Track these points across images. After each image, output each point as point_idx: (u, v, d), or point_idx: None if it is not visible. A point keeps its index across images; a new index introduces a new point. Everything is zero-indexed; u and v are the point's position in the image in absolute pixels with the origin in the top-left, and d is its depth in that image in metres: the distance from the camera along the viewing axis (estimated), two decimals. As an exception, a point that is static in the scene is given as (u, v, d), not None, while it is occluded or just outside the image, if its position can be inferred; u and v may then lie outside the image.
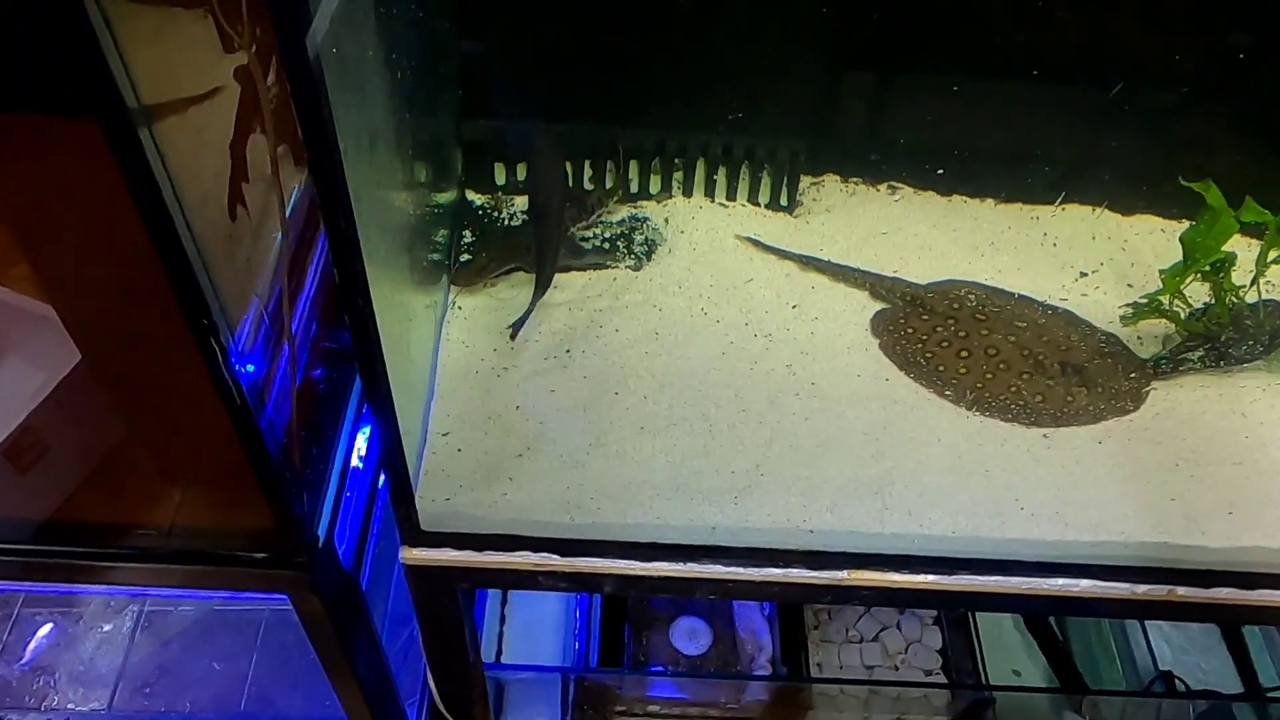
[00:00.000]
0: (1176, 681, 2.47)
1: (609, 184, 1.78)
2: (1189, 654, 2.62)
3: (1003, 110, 1.78)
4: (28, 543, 1.52)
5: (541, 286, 1.62)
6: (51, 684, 2.32)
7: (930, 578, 1.51)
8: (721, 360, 1.58)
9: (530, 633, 2.33)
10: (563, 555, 1.49)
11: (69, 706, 2.27)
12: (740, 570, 1.50)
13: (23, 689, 2.29)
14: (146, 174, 0.97)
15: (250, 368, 1.48)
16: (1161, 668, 2.51)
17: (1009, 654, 2.69)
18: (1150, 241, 1.80)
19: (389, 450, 1.31)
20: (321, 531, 1.52)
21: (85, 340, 1.30)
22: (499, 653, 2.27)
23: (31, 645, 2.36)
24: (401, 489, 1.38)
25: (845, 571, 1.50)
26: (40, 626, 2.40)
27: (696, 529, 1.45)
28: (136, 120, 0.96)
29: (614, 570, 1.50)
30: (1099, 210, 1.81)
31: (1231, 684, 2.51)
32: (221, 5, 1.37)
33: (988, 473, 1.49)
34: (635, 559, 1.50)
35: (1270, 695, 2.43)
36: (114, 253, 1.15)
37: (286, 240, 1.62)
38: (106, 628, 2.43)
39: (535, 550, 1.48)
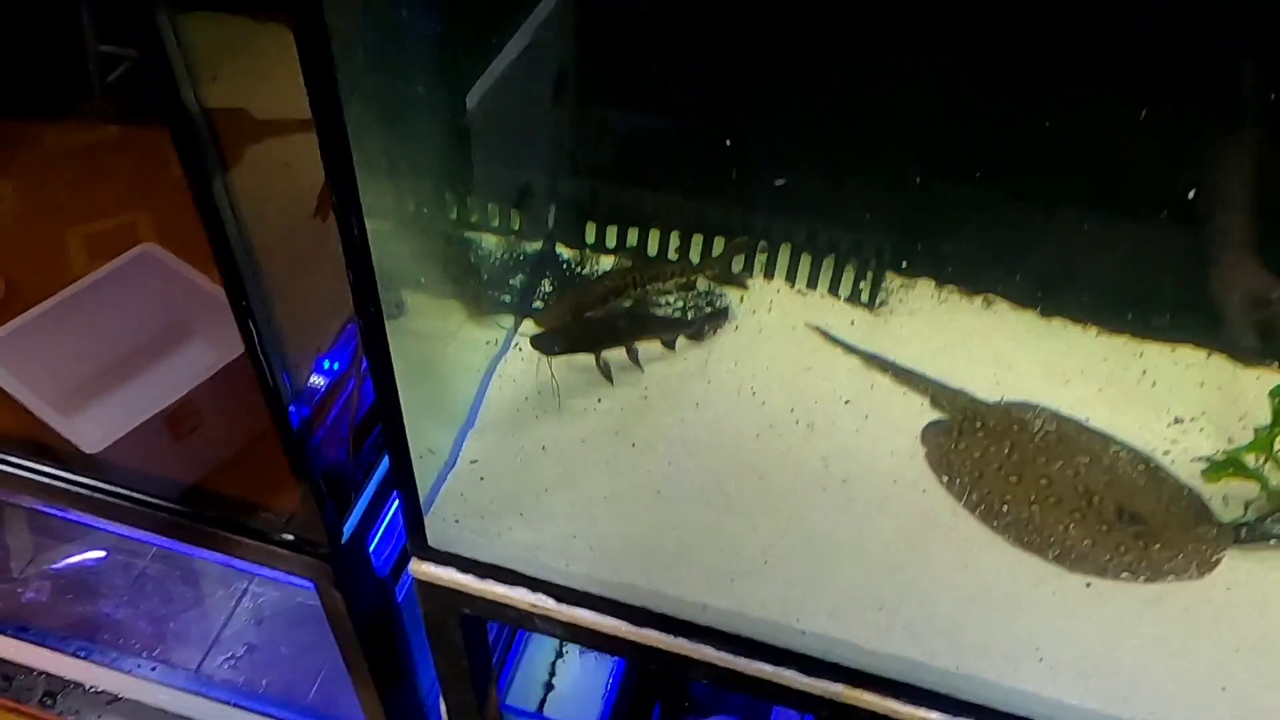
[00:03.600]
0: None
1: (695, 258, 1.82)
2: None
3: (1133, 241, 1.65)
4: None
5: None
6: (160, 635, 2.58)
7: (934, 715, 1.38)
8: (755, 442, 1.55)
9: (577, 693, 2.32)
10: (558, 601, 1.50)
11: (166, 659, 2.51)
12: (730, 658, 1.44)
13: (135, 634, 2.56)
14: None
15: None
16: None
17: None
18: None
19: (398, 462, 1.39)
20: (349, 529, 1.63)
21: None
22: (542, 703, 2.28)
23: (150, 597, 2.64)
24: (411, 501, 1.46)
25: (841, 686, 1.41)
26: (162, 581, 2.69)
27: (687, 604, 1.42)
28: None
29: (606, 629, 1.49)
30: (1214, 355, 1.63)
31: None
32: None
33: (1012, 613, 1.35)
34: (629, 621, 1.48)
35: None
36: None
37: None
38: (218, 594, 2.68)
39: (532, 590, 1.50)
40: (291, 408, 1.38)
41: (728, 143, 1.69)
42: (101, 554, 2.74)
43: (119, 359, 1.93)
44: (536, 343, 1.57)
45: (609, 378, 1.64)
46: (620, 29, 1.69)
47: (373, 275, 1.15)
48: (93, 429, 1.65)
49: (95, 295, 1.87)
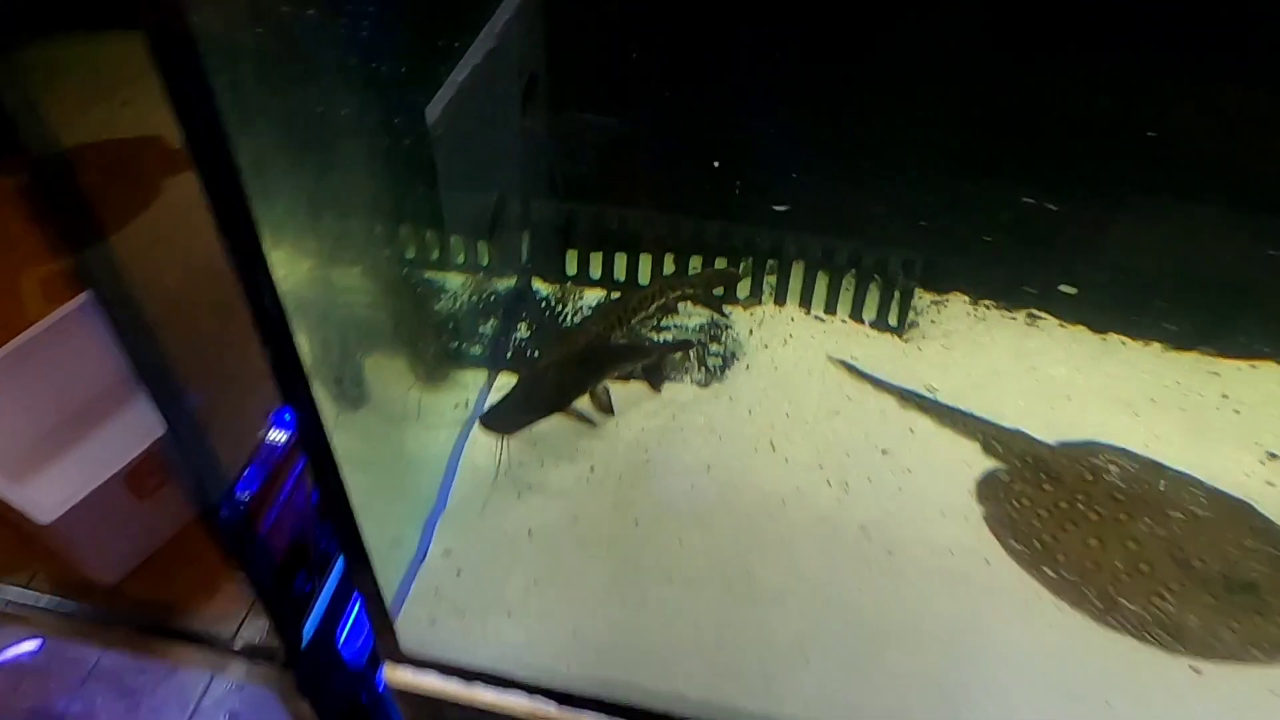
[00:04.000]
0: None
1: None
2: None
3: (1196, 238, 1.43)
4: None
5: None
6: (133, 712, 2.31)
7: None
8: (781, 509, 1.33)
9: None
10: (560, 705, 1.27)
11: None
12: (772, 770, 1.22)
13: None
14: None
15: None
16: None
17: None
18: (1379, 423, 1.37)
19: (354, 560, 1.14)
20: (310, 628, 1.38)
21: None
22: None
23: (116, 673, 2.37)
24: (375, 603, 1.22)
25: (909, 801, 1.19)
26: (117, 676, 2.42)
27: (715, 706, 1.19)
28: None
29: (620, 737, 1.27)
30: (1305, 373, 1.42)
31: None
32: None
33: (1107, 704, 1.14)
34: (646, 729, 1.25)
35: None
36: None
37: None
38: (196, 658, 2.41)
39: (530, 694, 1.27)
40: (235, 491, 1.13)
41: (729, 152, 1.47)
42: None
43: (69, 416, 1.75)
44: (487, 423, 1.34)
45: (607, 409, 1.44)
46: (603, 28, 1.45)
47: (295, 349, 0.90)
48: (46, 495, 1.47)
49: (38, 349, 1.69)
